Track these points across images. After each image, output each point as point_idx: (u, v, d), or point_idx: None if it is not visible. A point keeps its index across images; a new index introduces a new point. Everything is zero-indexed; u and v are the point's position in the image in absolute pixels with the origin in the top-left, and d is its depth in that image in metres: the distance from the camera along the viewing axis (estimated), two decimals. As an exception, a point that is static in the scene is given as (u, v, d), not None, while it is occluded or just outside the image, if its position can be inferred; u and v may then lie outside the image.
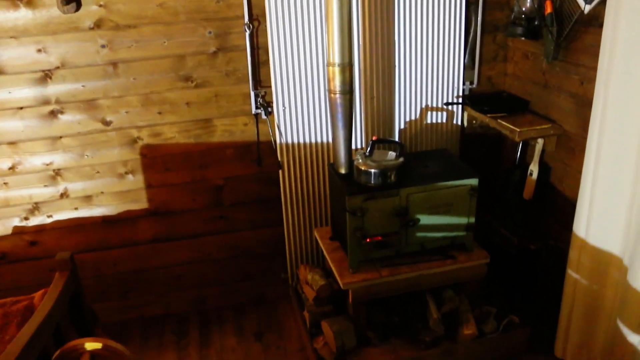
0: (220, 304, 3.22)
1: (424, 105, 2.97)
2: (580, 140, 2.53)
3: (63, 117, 2.69)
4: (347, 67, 2.48)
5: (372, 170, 2.50)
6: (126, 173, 2.84)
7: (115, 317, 3.09)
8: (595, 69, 2.25)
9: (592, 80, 2.35)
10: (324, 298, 2.76)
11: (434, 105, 2.99)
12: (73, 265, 2.16)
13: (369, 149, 2.58)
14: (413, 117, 2.99)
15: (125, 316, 3.12)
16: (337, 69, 2.48)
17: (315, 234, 2.95)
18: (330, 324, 2.61)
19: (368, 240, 2.54)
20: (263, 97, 2.82)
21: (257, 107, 2.83)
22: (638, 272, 2.16)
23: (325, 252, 2.80)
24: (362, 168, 2.52)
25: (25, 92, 2.62)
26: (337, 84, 2.49)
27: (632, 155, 2.19)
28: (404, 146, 2.63)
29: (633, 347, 2.25)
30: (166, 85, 2.72)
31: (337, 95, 2.51)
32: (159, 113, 2.76)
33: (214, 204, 2.99)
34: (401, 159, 2.56)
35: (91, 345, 1.76)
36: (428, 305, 2.68)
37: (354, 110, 2.71)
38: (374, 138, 2.60)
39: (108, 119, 2.73)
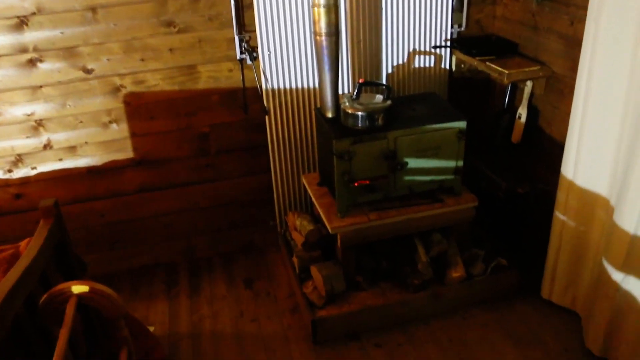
0: (209, 252, 3.22)
1: (411, 49, 2.93)
2: (570, 82, 2.50)
3: (42, 66, 2.61)
4: (332, 8, 2.42)
5: (360, 113, 2.48)
6: (110, 122, 2.79)
7: (104, 269, 3.08)
8: (586, 8, 2.20)
9: (582, 19, 2.30)
10: (312, 243, 2.76)
11: (422, 48, 2.94)
12: (57, 212, 2.12)
13: (355, 92, 2.55)
14: (400, 61, 2.94)
15: (115, 267, 3.11)
16: (322, 10, 2.41)
17: (303, 180, 2.93)
18: (319, 269, 2.62)
19: (356, 184, 2.53)
20: (248, 42, 2.75)
21: (241, 53, 2.77)
22: (624, 212, 2.17)
23: (313, 198, 2.79)
24: (349, 111, 2.50)
25: (1, 40, 2.53)
26: (322, 25, 2.43)
27: (621, 94, 2.16)
28: (391, 89, 2.60)
29: (616, 284, 2.27)
30: (148, 31, 2.64)
31: (323, 38, 2.46)
32: (142, 60, 2.69)
33: (200, 152, 2.96)
34: (389, 102, 2.54)
35: (78, 288, 1.74)
36: (416, 249, 2.69)
37: (340, 54, 2.67)
38: (360, 80, 2.57)
39: (89, 66, 2.66)
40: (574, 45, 2.45)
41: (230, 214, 3.16)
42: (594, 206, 2.39)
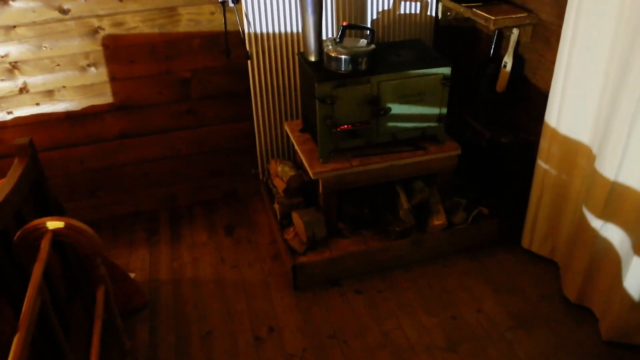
0: (190, 200, 3.21)
1: None
2: (556, 30, 2.46)
3: (15, 4, 2.52)
4: None
5: (343, 57, 2.44)
6: (88, 66, 2.72)
7: (85, 216, 3.05)
8: None
9: None
10: (294, 189, 2.75)
11: None
12: (32, 151, 2.07)
13: (339, 35, 2.51)
14: (386, 7, 2.89)
15: (95, 215, 3.08)
16: None
17: (286, 127, 2.91)
18: (300, 215, 2.61)
19: (338, 129, 2.51)
20: None
21: None
22: (605, 160, 2.17)
23: (295, 144, 2.77)
24: (332, 54, 2.47)
25: (-30, -26, 2.45)
26: None
27: (606, 41, 2.14)
28: (375, 32, 2.56)
29: (595, 231, 2.28)
30: None
31: None
32: (120, 1, 2.61)
33: (181, 97, 2.91)
34: (372, 46, 2.50)
35: (53, 224, 1.72)
36: (398, 196, 2.69)
37: None
38: (344, 23, 2.52)
39: (65, 6, 2.57)
40: None
41: (212, 162, 3.14)
42: (576, 154, 2.39)
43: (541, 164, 2.52)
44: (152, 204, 3.16)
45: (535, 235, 2.67)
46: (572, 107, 2.33)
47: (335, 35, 2.79)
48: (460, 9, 2.75)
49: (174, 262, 2.79)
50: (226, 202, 3.21)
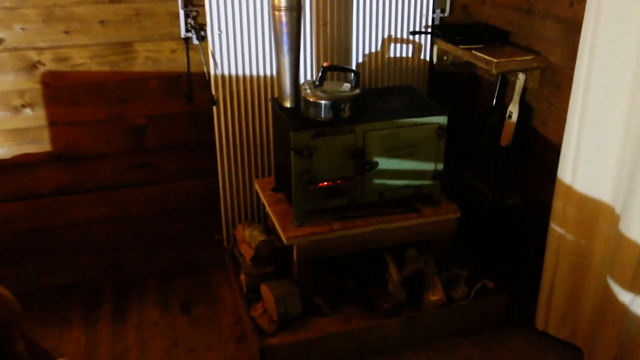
0: (140, 271, 3.10)
1: (386, 35, 2.88)
2: (568, 74, 2.46)
3: (-62, 31, 2.50)
4: None
5: (323, 102, 2.42)
6: (23, 106, 2.66)
7: (9, 288, 2.88)
8: None
9: (583, 0, 2.27)
10: (263, 257, 2.66)
11: (398, 35, 2.90)
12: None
13: (319, 77, 2.49)
14: (373, 49, 2.89)
15: (22, 287, 2.91)
16: None
17: (256, 185, 2.85)
18: (270, 287, 2.51)
19: (317, 186, 2.46)
20: (195, 17, 2.68)
21: (187, 30, 2.69)
22: (632, 220, 2.12)
23: (266, 205, 2.70)
24: (311, 99, 2.44)
25: None
26: None
27: (626, 83, 2.13)
28: (360, 75, 2.54)
29: (624, 307, 2.21)
30: None
31: (282, 12, 2.40)
32: (66, 32, 2.59)
33: (134, 148, 2.86)
34: (357, 90, 2.49)
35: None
36: (387, 267, 2.62)
37: (303, 37, 2.64)
38: (325, 64, 2.50)
39: (-1, 36, 2.57)
40: (573, 30, 2.42)
41: (168, 225, 3.06)
42: (596, 215, 2.34)
43: (555, 228, 2.46)
44: (93, 274, 3.05)
45: (551, 314, 2.59)
46: (589, 161, 2.29)
47: (314, 78, 2.77)
48: (458, 51, 2.76)
49: (115, 345, 2.65)
50: (183, 274, 3.12)
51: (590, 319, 2.45)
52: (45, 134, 2.73)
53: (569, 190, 2.37)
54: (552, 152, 2.60)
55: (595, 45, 2.15)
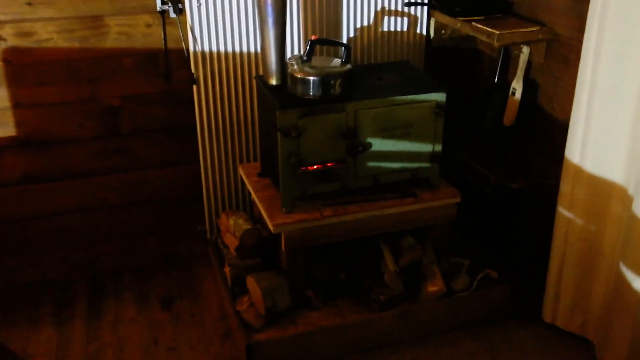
0: (117, 266, 3.07)
1: (379, 7, 2.83)
2: (576, 45, 2.42)
3: None
4: None
5: (311, 78, 2.38)
6: None
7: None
8: None
9: None
10: (249, 248, 2.63)
11: (392, 7, 2.85)
12: None
13: (306, 51, 2.44)
14: (365, 23, 2.85)
15: None
16: None
17: (240, 171, 2.82)
18: (257, 280, 2.48)
19: (306, 169, 2.42)
20: None
21: (163, 3, 2.64)
22: None
23: (252, 191, 2.66)
24: (298, 76, 2.40)
25: None
26: None
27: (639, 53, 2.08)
28: (351, 49, 2.50)
29: (638, 295, 2.17)
30: None
31: None
32: (29, 4, 2.53)
33: (108, 132, 2.82)
34: (348, 66, 2.45)
35: None
36: (383, 256, 2.60)
37: (288, 5, 2.56)
38: (313, 38, 2.46)
39: (-46, 9, 2.51)
40: None
41: (146, 216, 3.03)
42: (607, 197, 2.31)
43: (563, 211, 2.43)
44: (65, 269, 3.00)
45: (560, 305, 2.57)
46: (599, 139, 2.26)
47: (302, 53, 2.72)
48: (457, 24, 2.71)
49: (90, 345, 2.62)
50: (163, 268, 3.09)
51: (601, 310, 2.43)
52: (9, 117, 2.68)
53: (578, 170, 2.34)
54: (559, 131, 2.57)
55: (606, 11, 2.10)
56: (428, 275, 2.60)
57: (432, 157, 2.56)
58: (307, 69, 2.40)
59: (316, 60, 2.48)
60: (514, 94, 2.72)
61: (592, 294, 2.47)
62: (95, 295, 2.91)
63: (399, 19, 2.87)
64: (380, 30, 2.87)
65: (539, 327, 2.64)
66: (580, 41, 2.28)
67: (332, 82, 2.38)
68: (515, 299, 2.70)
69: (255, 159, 2.91)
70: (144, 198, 2.99)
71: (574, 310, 2.54)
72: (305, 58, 2.44)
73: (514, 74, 2.73)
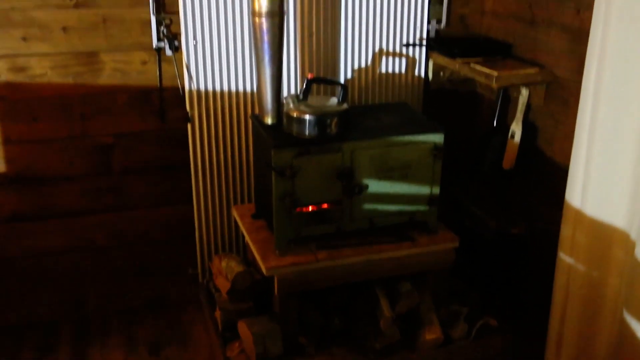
0: (104, 308, 3.05)
1: (377, 49, 2.86)
2: (576, 88, 2.44)
3: None
4: None
5: (307, 117, 2.38)
6: None
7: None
8: None
9: (591, 6, 2.26)
10: (241, 291, 2.60)
11: (390, 49, 2.88)
12: None
13: (303, 90, 2.46)
14: (363, 64, 2.87)
15: None
16: None
17: (234, 212, 2.80)
18: (248, 325, 2.44)
19: (300, 210, 2.41)
20: (168, 26, 2.68)
21: (159, 40, 2.69)
22: None
23: (245, 232, 2.63)
24: (294, 115, 2.40)
25: None
26: (263, 2, 2.35)
27: (639, 95, 2.07)
28: (348, 89, 2.51)
29: None
30: (34, 0, 2.53)
31: (263, 19, 2.38)
32: (24, 39, 2.57)
33: (99, 170, 2.83)
34: (345, 105, 2.45)
35: None
36: (378, 302, 2.55)
37: (287, 49, 2.63)
38: (309, 76, 2.47)
39: (-53, 42, 2.54)
40: (580, 40, 2.40)
41: (136, 258, 3.02)
42: (609, 243, 2.27)
43: (564, 257, 2.40)
44: (50, 312, 2.98)
45: (562, 354, 2.51)
46: (599, 182, 2.24)
47: (298, 92, 2.73)
48: (456, 65, 2.74)
49: None
50: (152, 312, 3.06)
51: (606, 357, 2.37)
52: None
53: (579, 214, 2.31)
54: (559, 174, 2.56)
55: (605, 52, 2.11)
56: (425, 322, 2.56)
57: (430, 200, 2.54)
58: (303, 107, 2.40)
59: (313, 99, 2.49)
60: (513, 136, 2.72)
61: (595, 343, 2.41)
62: (80, 339, 2.89)
63: (397, 60, 2.90)
64: (378, 71, 2.90)
65: (541, 379, 2.60)
66: (580, 83, 2.29)
67: (329, 121, 2.38)
68: (516, 348, 2.65)
69: (249, 200, 2.90)
70: (134, 239, 2.98)
71: (578, 358, 2.47)
72: (301, 97, 2.45)
73: (513, 117, 2.74)
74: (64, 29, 2.59)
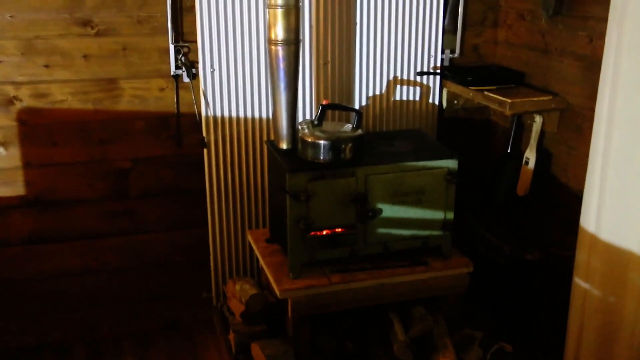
0: (118, 331, 3.03)
1: (391, 77, 2.89)
2: (589, 115, 2.44)
3: None
4: (292, 10, 2.41)
5: (322, 142, 2.40)
6: None
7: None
8: (607, 20, 2.15)
9: (603, 35, 2.28)
10: (255, 314, 2.59)
11: (405, 77, 2.90)
12: None
13: (317, 116, 2.48)
14: (377, 92, 2.90)
15: None
16: (279, 12, 2.40)
17: (249, 237, 2.80)
18: (262, 347, 2.43)
19: (314, 234, 2.41)
20: (186, 54, 2.71)
21: (177, 67, 2.71)
22: None
23: (259, 256, 2.64)
24: (309, 140, 2.42)
25: None
26: (279, 31, 2.41)
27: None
28: (362, 115, 2.53)
29: None
30: (57, 29, 2.58)
31: (279, 47, 2.43)
32: (46, 66, 2.60)
33: (116, 194, 2.84)
34: (359, 131, 2.47)
35: None
36: (392, 326, 2.54)
37: (301, 73, 2.65)
38: (324, 102, 2.50)
39: (-28, 69, 2.58)
40: (593, 67, 2.41)
41: (150, 280, 3.00)
42: (625, 267, 2.24)
43: (579, 282, 2.37)
44: (64, 333, 2.97)
45: None
46: (614, 206, 2.22)
47: (312, 117, 2.75)
48: (469, 93, 2.76)
49: None
50: (166, 335, 3.04)
51: (623, 386, 2.34)
52: (19, 176, 2.70)
53: (594, 239, 2.29)
54: (574, 201, 2.55)
55: (617, 79, 2.12)
56: (440, 347, 2.52)
57: (443, 225, 2.54)
58: (318, 133, 2.42)
59: (327, 125, 2.51)
60: (527, 163, 2.72)
61: (612, 369, 2.39)
62: (95, 360, 2.88)
63: (411, 88, 2.92)
64: (392, 99, 2.92)
65: (556, 406, 2.55)
66: (593, 110, 2.30)
67: (343, 146, 2.40)
68: (532, 376, 2.62)
69: (264, 225, 2.90)
70: (149, 262, 2.98)
71: (593, 389, 2.45)
72: (316, 122, 2.47)
73: (527, 144, 2.74)
74: (85, 56, 2.63)
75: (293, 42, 2.43)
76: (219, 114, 2.73)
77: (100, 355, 2.90)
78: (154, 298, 3.03)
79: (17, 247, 2.78)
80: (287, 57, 2.43)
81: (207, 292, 3.01)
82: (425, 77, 2.91)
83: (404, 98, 2.93)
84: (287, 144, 2.52)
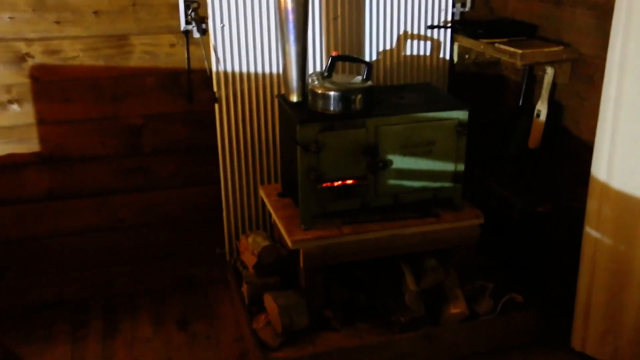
0: (133, 287, 3.06)
1: (401, 31, 2.86)
2: (601, 64, 2.40)
3: None
4: None
5: (332, 93, 2.40)
6: (9, 102, 2.66)
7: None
8: None
9: None
10: (268, 265, 2.61)
11: (415, 31, 2.87)
12: None
13: (327, 67, 2.47)
14: (387, 47, 2.87)
15: (2, 303, 2.89)
16: None
17: (261, 191, 2.81)
18: (274, 297, 2.45)
19: (325, 185, 2.41)
20: (196, 9, 2.67)
21: (187, 23, 2.68)
22: None
23: (271, 210, 2.65)
24: (319, 91, 2.42)
25: None
26: None
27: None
28: (372, 67, 2.51)
29: None
30: None
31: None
32: (57, 23, 2.60)
33: (129, 150, 2.85)
34: (369, 83, 2.46)
35: None
36: (404, 277, 2.55)
37: (310, 28, 2.63)
38: (333, 54, 2.49)
39: (-17, 26, 2.58)
40: (606, 16, 2.36)
41: (164, 237, 3.02)
42: (636, 216, 2.26)
43: (590, 232, 2.38)
44: (81, 290, 3.00)
45: (589, 331, 2.49)
46: (625, 154, 2.23)
47: (322, 69, 2.74)
48: (480, 46, 2.73)
49: None
50: (180, 291, 3.07)
51: (634, 336, 2.35)
52: (33, 133, 2.71)
53: (605, 188, 2.30)
54: (585, 152, 2.53)
55: (629, 26, 2.10)
56: (451, 297, 2.54)
57: (454, 176, 2.54)
58: (327, 84, 2.42)
59: (337, 77, 2.50)
60: (538, 115, 2.69)
61: (623, 319, 2.39)
62: (111, 315, 2.90)
63: (421, 42, 2.90)
64: (402, 54, 2.89)
65: (567, 355, 2.56)
66: (605, 60, 2.28)
67: (353, 97, 2.40)
68: (542, 325, 2.64)
69: (276, 181, 2.90)
70: (163, 219, 2.99)
71: (604, 336, 2.45)
72: (326, 74, 2.47)
73: (539, 97, 2.71)
74: (96, 12, 2.62)
75: (302, -7, 2.41)
76: (229, 69, 2.71)
77: (117, 310, 2.94)
78: (168, 255, 3.05)
79: (32, 204, 2.80)
80: (296, 9, 2.40)
81: (220, 248, 3.01)
82: (435, 31, 2.88)
83: (415, 53, 2.90)
84: (298, 97, 2.51)
